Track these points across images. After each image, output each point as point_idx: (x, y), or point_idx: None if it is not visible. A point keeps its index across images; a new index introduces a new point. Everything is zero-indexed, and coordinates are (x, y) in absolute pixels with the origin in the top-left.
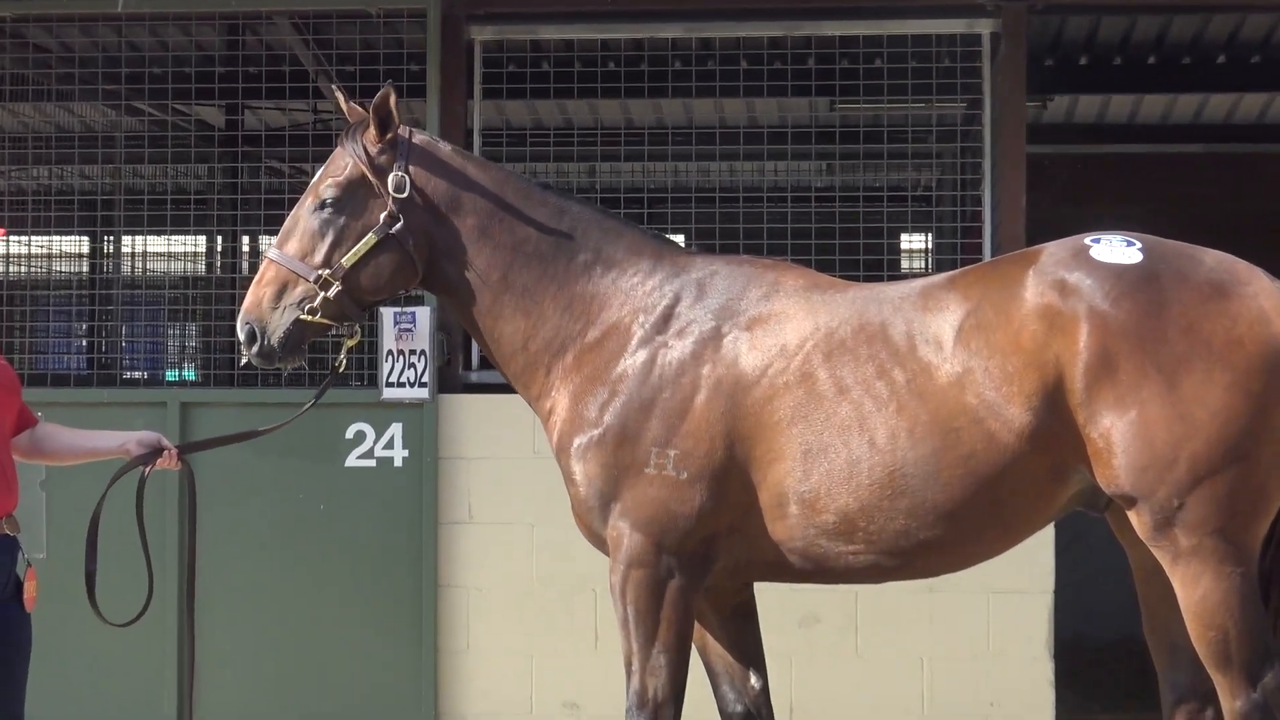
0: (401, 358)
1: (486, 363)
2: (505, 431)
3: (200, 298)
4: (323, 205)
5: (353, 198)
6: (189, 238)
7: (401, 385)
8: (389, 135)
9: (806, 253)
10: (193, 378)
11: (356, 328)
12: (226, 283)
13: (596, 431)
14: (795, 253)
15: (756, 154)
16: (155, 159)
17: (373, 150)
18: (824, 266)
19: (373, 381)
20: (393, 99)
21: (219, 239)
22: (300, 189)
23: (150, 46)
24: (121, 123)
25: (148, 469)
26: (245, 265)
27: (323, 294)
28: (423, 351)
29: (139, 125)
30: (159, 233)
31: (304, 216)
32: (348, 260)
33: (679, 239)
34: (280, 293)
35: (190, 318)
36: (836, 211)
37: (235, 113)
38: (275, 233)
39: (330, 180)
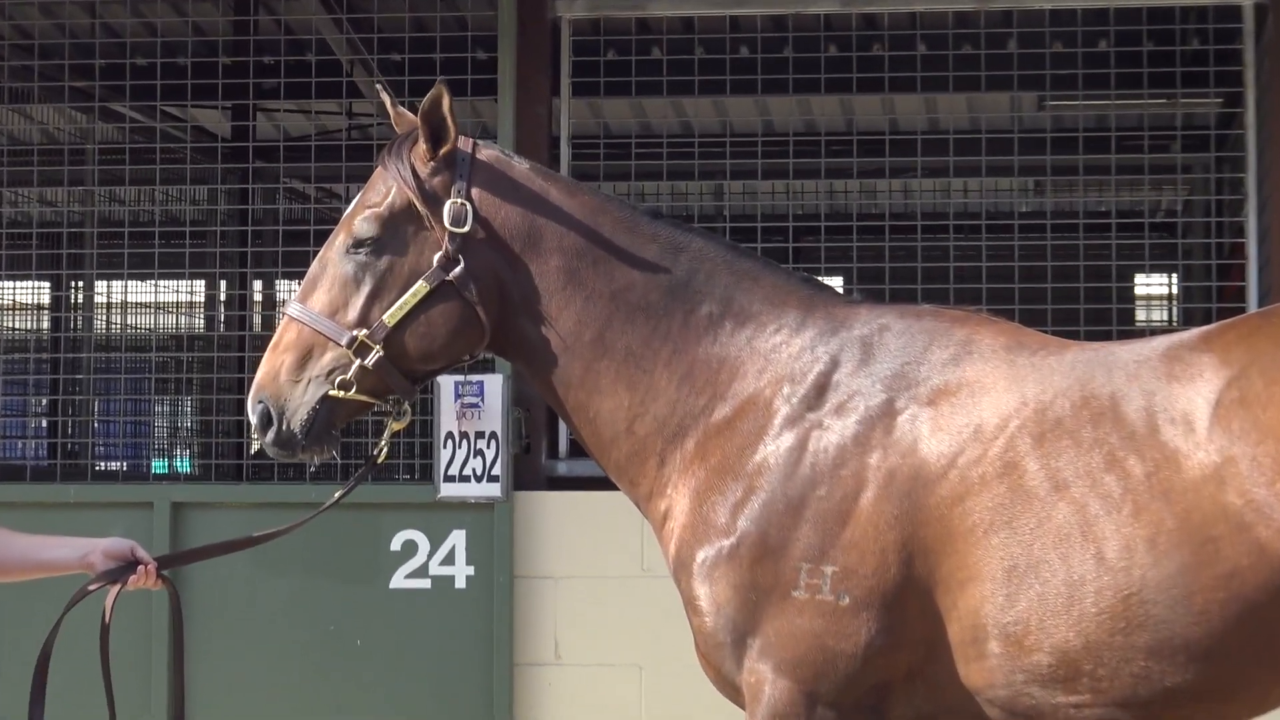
0: (465, 442)
1: (579, 449)
2: (605, 542)
3: (198, 363)
4: (358, 245)
5: (397, 234)
6: (183, 283)
7: (465, 479)
8: (444, 150)
9: (1007, 300)
10: (188, 469)
11: (406, 406)
12: (232, 343)
13: (728, 542)
14: (992, 300)
15: (939, 168)
16: (139, 178)
17: (423, 171)
18: (1031, 319)
19: (426, 474)
20: (447, 101)
21: (223, 284)
22: (330, 219)
23: (133, 30)
24: (94, 131)
25: (116, 589)
26: (257, 319)
27: (358, 362)
28: (493, 434)
29: (117, 134)
30: (143, 276)
31: (334, 259)
32: (391, 316)
33: (835, 283)
34: (303, 361)
35: (184, 389)
36: (1048, 245)
37: (245, 117)
38: (298, 276)
39: (368, 212)
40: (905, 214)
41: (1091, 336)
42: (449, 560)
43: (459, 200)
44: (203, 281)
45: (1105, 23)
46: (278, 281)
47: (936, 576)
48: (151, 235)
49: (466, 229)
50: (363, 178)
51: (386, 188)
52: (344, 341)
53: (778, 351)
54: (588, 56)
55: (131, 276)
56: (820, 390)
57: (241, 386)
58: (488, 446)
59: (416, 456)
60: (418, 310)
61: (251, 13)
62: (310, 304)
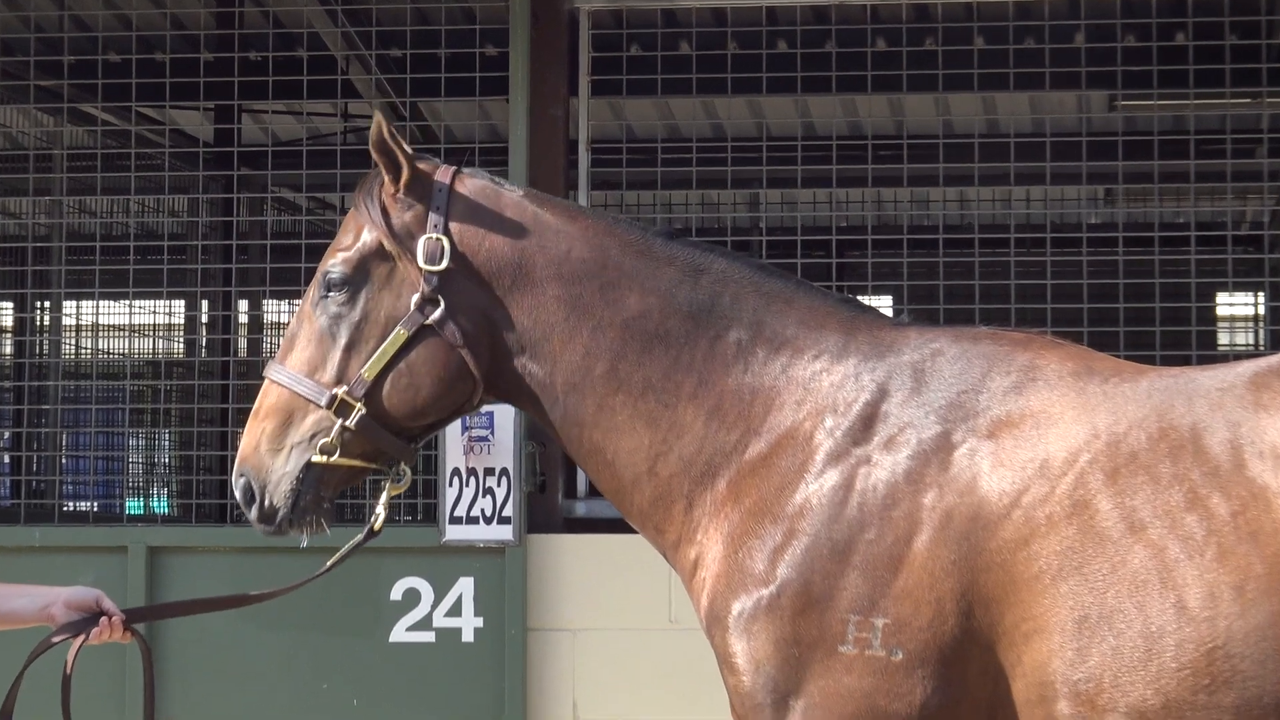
0: (474, 480)
1: None
2: (629, 590)
3: (177, 391)
4: (329, 292)
5: (370, 278)
6: (160, 303)
7: (473, 521)
8: (403, 180)
9: (1075, 321)
10: (165, 510)
11: (405, 469)
12: (215, 369)
13: (766, 592)
14: (1058, 322)
15: (999, 175)
16: (111, 187)
17: (394, 207)
18: (1102, 343)
19: (430, 515)
20: (385, 130)
21: (204, 304)
22: (325, 232)
23: (105, 23)
24: (62, 134)
25: (78, 643)
26: (243, 343)
27: (339, 423)
28: (504, 471)
29: (88, 138)
30: (116, 296)
31: (309, 312)
32: (369, 369)
33: (884, 303)
34: (284, 427)
35: (162, 421)
36: (1120, 260)
37: (229, 119)
38: (287, 296)
39: (338, 256)
40: (961, 226)
41: (1169, 361)
42: (455, 611)
43: (434, 236)
44: (182, 301)
45: (1183, 14)
46: (265, 301)
47: (999, 629)
48: (125, 250)
49: (443, 266)
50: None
51: (358, 228)
52: (323, 402)
53: (818, 379)
54: (609, 52)
55: (103, 296)
56: (867, 422)
57: (225, 417)
58: (498, 484)
59: (419, 496)
60: (397, 359)
61: (237, 4)
62: (289, 363)
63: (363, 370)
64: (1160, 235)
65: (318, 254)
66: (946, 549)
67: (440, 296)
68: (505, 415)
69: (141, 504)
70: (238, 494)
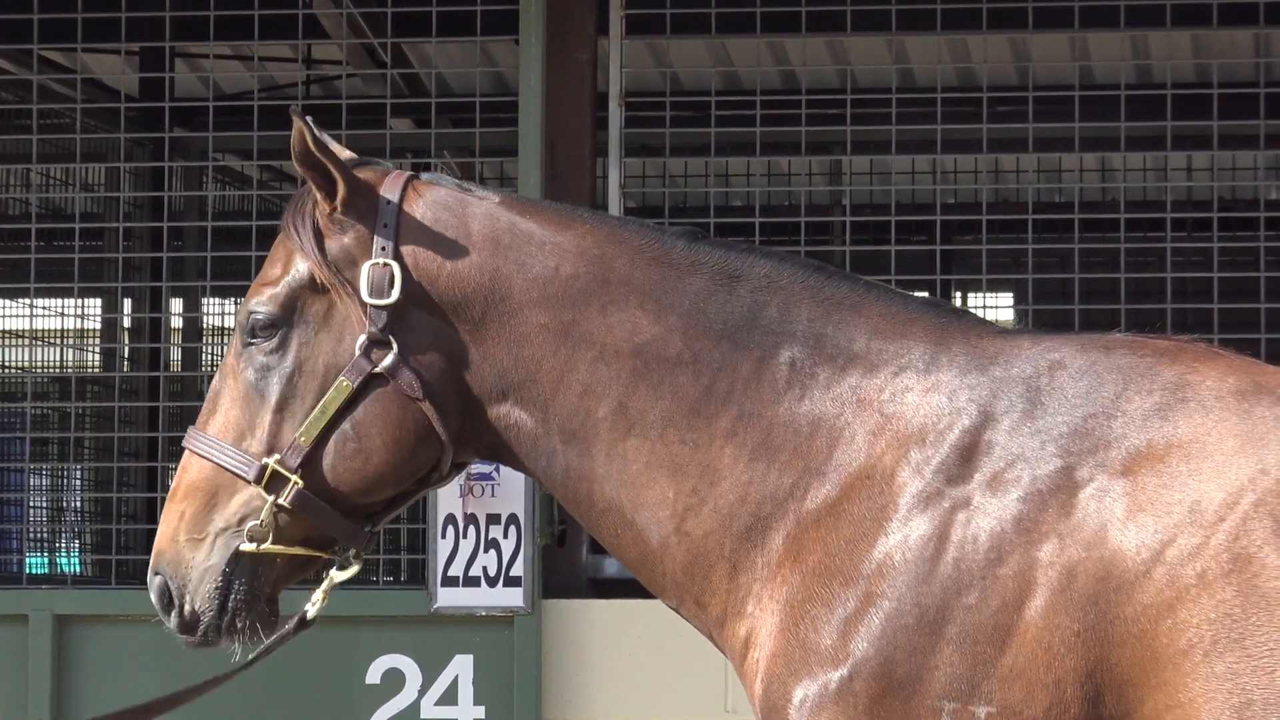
0: (473, 530)
1: None
2: (673, 670)
3: (92, 416)
4: (253, 337)
5: (303, 318)
6: (69, 302)
7: (473, 583)
8: (340, 196)
9: (1251, 324)
10: (77, 569)
11: (351, 554)
12: (141, 387)
13: (836, 674)
14: (1225, 326)
15: (1151, 137)
16: (7, 154)
17: (330, 229)
18: (1272, 353)
19: (417, 575)
20: (309, 138)
21: (127, 303)
22: (280, 211)
23: None
24: None
25: None
26: (176, 353)
27: (270, 501)
28: (513, 519)
29: None
30: (12, 293)
31: (233, 365)
32: (306, 433)
33: (1002, 301)
34: (206, 510)
35: (73, 454)
36: None
37: (158, 66)
38: (233, 293)
39: (264, 293)
40: (1103, 203)
41: None
42: (449, 698)
43: (380, 261)
44: (98, 300)
45: None
46: (205, 300)
47: (1137, 718)
48: (25, 234)
49: (393, 299)
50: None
51: (287, 257)
52: (251, 475)
53: (899, 401)
54: None
55: None
56: (965, 454)
57: (154, 449)
58: (505, 536)
59: (403, 550)
60: (339, 418)
61: None
62: (211, 429)
63: (298, 434)
64: None
65: (270, 240)
66: (1069, 617)
67: (391, 337)
68: None
69: (46, 561)
70: (153, 597)
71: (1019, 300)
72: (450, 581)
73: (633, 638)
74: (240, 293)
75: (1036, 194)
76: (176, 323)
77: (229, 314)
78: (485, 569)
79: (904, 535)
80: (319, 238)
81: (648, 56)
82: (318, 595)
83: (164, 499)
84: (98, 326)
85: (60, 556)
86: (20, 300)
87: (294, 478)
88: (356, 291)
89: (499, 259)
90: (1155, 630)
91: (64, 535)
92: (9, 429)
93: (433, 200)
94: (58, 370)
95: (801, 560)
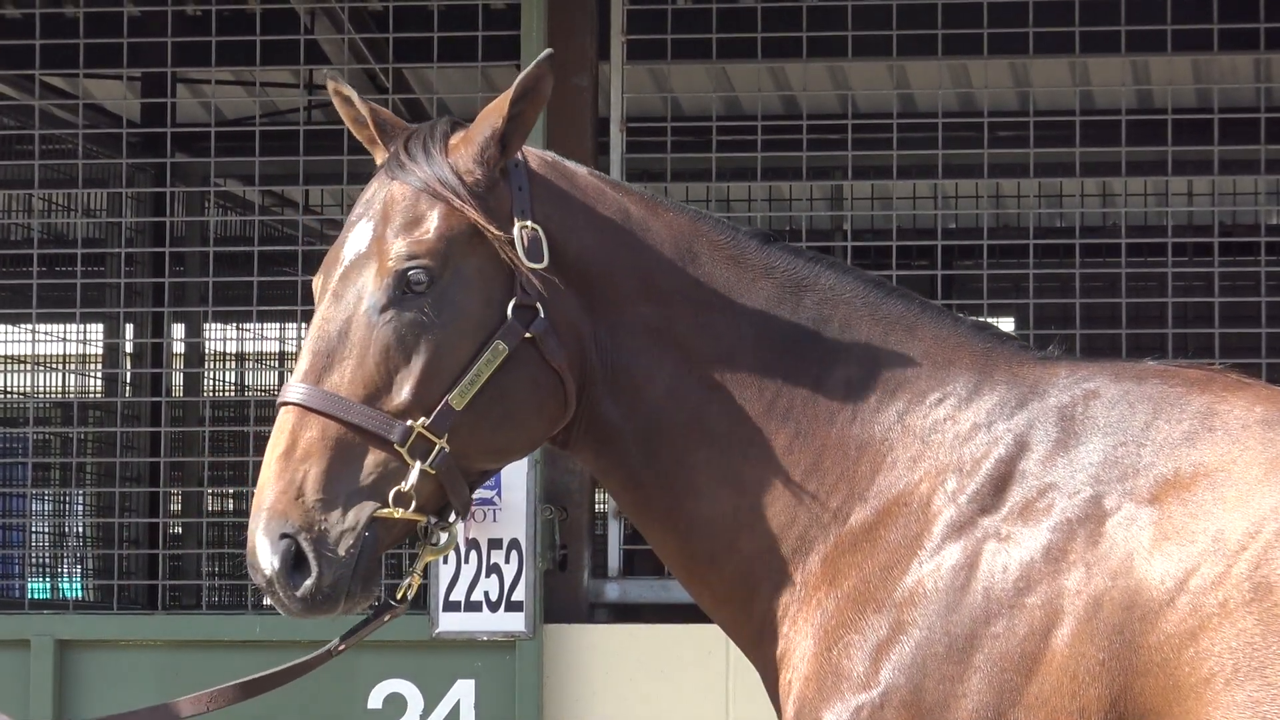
0: (475, 555)
1: (641, 563)
2: (677, 697)
3: (94, 441)
4: (404, 293)
5: (458, 276)
6: (71, 327)
7: (475, 608)
8: (512, 150)
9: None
10: (78, 594)
11: (456, 525)
12: (143, 412)
13: (866, 699)
14: (1226, 352)
15: (1153, 162)
16: (9, 179)
17: (474, 182)
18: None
19: (417, 600)
20: (550, 82)
21: (129, 329)
22: (281, 237)
23: None
24: None
25: None
26: (178, 378)
27: (419, 467)
28: (515, 543)
29: None
30: (14, 318)
31: (361, 319)
32: (459, 396)
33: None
34: (336, 470)
35: (75, 479)
36: None
37: (160, 91)
38: (236, 319)
39: (410, 244)
40: (1104, 228)
41: None
42: None
43: (529, 224)
44: (101, 325)
45: None
46: (207, 325)
47: None
48: (27, 260)
49: (544, 264)
50: (327, 177)
51: (426, 207)
52: (395, 437)
53: (940, 430)
54: (650, 4)
55: None
56: (999, 484)
57: (156, 474)
58: (507, 560)
59: (398, 572)
60: (493, 384)
61: None
62: (329, 385)
63: (449, 397)
64: None
65: (273, 265)
66: (1094, 645)
67: (539, 304)
68: (516, 472)
69: (48, 586)
70: (274, 562)
71: (1020, 325)
72: (452, 606)
73: (634, 663)
74: (244, 319)
75: (1038, 219)
76: (178, 348)
77: (230, 339)
78: (487, 594)
79: (936, 564)
80: (468, 189)
81: (649, 82)
82: (415, 573)
83: (165, 524)
84: (100, 352)
85: (62, 581)
86: (22, 325)
87: (440, 442)
88: (515, 252)
89: (613, 239)
90: (1178, 659)
91: (66, 560)
92: (11, 454)
93: (541, 164)
94: (60, 395)
95: (837, 585)
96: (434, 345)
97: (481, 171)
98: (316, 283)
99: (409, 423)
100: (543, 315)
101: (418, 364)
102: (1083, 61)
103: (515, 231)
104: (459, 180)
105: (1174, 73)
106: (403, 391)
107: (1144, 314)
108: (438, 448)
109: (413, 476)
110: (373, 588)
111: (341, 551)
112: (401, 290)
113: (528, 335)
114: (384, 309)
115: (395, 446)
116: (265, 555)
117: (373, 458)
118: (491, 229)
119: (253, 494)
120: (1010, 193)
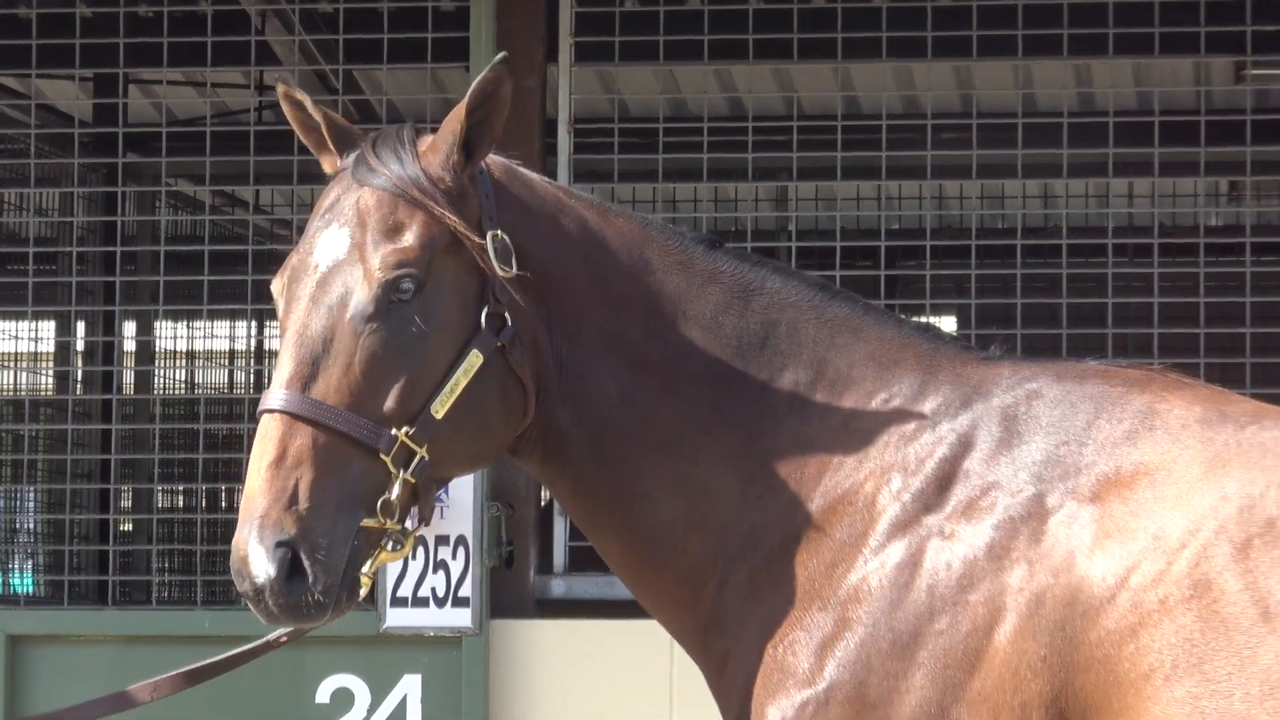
0: (422, 551)
1: (583, 560)
2: (620, 692)
3: (45, 438)
4: (391, 301)
5: (436, 285)
6: (23, 325)
7: (422, 603)
8: (478, 158)
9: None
10: (29, 589)
11: (417, 526)
12: (94, 410)
13: (810, 694)
14: (1168, 350)
15: (1094, 164)
16: None
17: (445, 188)
18: (1227, 377)
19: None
20: (508, 88)
21: (80, 327)
22: (233, 236)
23: None
24: None
25: None
26: (129, 376)
27: (402, 475)
28: (461, 540)
29: None
30: None
31: (346, 325)
32: (440, 405)
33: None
34: (328, 478)
35: (26, 476)
36: (1246, 273)
37: (111, 92)
38: (186, 316)
39: (400, 250)
40: (1045, 229)
41: None
42: (398, 717)
43: (498, 233)
44: (52, 323)
45: None
46: (158, 323)
47: None
48: None
49: (515, 272)
50: (277, 177)
51: (405, 215)
52: (381, 445)
53: (885, 430)
54: (598, 6)
55: None
56: (943, 483)
57: (107, 471)
58: (454, 557)
59: None
60: (469, 393)
61: None
62: (316, 393)
63: (431, 406)
64: None
65: (223, 264)
66: (1035, 642)
67: (507, 313)
68: None
69: (0, 581)
70: (270, 570)
71: (962, 325)
72: (399, 602)
73: (580, 658)
74: (194, 317)
75: (980, 220)
76: (129, 345)
77: (181, 337)
78: (434, 590)
79: (880, 561)
80: (444, 194)
81: (596, 84)
82: (364, 577)
83: (116, 520)
84: (51, 350)
85: (13, 577)
86: None
87: (421, 451)
88: (490, 259)
89: (570, 247)
90: (1118, 655)
91: (17, 556)
92: None
93: (501, 170)
94: (11, 393)
95: (780, 583)
96: (418, 354)
97: (452, 178)
98: (277, 285)
99: (394, 431)
100: (510, 324)
101: (402, 373)
102: (1025, 64)
103: (489, 239)
104: (434, 187)
105: (1115, 76)
106: (388, 400)
107: (1085, 314)
108: (419, 456)
109: (397, 486)
110: (356, 596)
111: (333, 560)
112: (389, 299)
113: (498, 344)
114: (370, 318)
115: (381, 455)
116: (260, 564)
117: (360, 466)
118: (473, 237)
119: (206, 491)
120: (953, 194)
